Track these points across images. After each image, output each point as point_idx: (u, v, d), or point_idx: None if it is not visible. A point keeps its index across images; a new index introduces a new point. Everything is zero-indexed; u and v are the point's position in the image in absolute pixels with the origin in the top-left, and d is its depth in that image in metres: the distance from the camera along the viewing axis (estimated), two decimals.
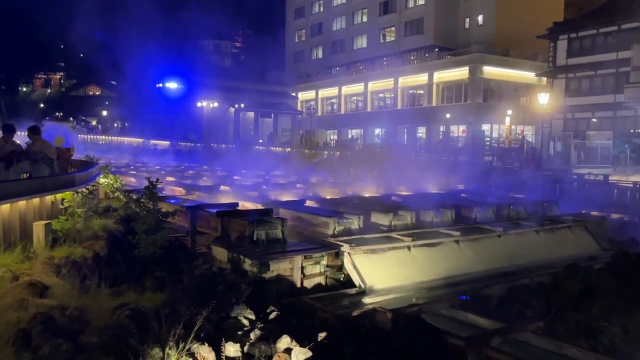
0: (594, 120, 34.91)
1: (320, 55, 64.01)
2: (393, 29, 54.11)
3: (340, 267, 7.84)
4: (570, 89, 35.57)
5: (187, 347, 4.26)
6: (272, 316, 5.61)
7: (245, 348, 4.77)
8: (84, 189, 9.26)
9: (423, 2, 50.47)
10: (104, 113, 79.21)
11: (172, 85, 52.84)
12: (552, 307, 7.13)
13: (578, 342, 5.61)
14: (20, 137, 11.41)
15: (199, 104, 41.71)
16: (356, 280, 7.59)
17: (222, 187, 13.80)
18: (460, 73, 43.10)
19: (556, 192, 17.29)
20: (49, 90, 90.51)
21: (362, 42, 57.95)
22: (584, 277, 8.02)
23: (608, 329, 5.93)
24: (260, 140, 46.42)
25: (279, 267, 7.14)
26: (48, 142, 10.64)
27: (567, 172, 22.21)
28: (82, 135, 40.85)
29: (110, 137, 46.46)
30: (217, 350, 4.50)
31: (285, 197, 12.21)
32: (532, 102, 34.51)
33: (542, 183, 18.01)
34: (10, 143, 9.64)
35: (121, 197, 11.52)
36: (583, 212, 12.94)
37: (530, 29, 37.10)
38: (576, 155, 30.16)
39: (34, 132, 10.33)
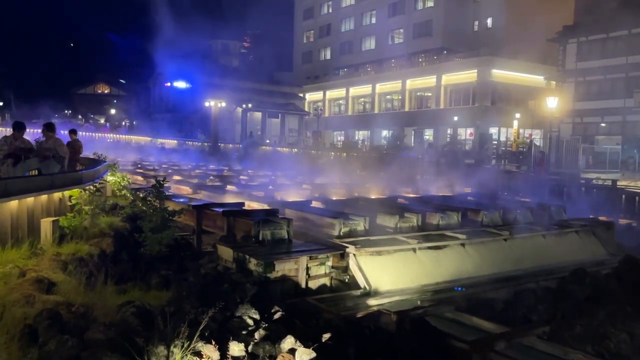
0: (603, 124, 34.70)
1: (328, 56, 64.05)
2: (402, 30, 54.06)
3: (346, 269, 7.83)
4: (579, 92, 35.36)
5: (192, 346, 4.27)
6: (276, 316, 5.61)
7: (250, 348, 4.78)
8: (91, 187, 9.33)
9: (432, 4, 50.41)
10: (113, 111, 79.72)
11: (181, 84, 53.02)
12: (558, 312, 7.08)
13: (584, 348, 5.57)
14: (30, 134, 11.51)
15: (206, 104, 41.83)
16: (361, 281, 7.58)
17: (229, 187, 13.83)
18: (469, 75, 42.96)
19: (564, 196, 17.19)
20: None
21: (370, 44, 57.95)
22: (590, 282, 7.96)
23: (614, 335, 5.88)
24: (268, 141, 46.49)
25: (284, 268, 7.14)
26: (60, 140, 10.75)
27: (575, 176, 22.07)
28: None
29: (118, 136, 46.66)
30: (222, 350, 4.51)
31: (291, 198, 12.22)
32: (541, 105, 34.32)
33: (550, 187, 17.91)
34: (19, 140, 9.73)
35: (128, 195, 11.58)
36: (591, 216, 12.85)
37: (540, 32, 36.95)
38: (584, 159, 29.99)
39: (48, 128, 10.45)
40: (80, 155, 13.63)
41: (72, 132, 13.34)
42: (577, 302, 7.31)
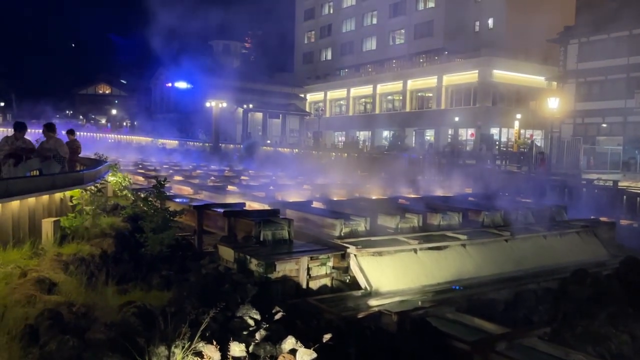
0: (604, 125, 34.66)
1: (329, 57, 64.09)
2: (403, 31, 54.10)
3: (346, 269, 7.83)
4: (580, 93, 35.34)
5: (193, 346, 4.28)
6: (277, 317, 5.61)
7: (251, 348, 4.78)
8: (92, 187, 9.33)
9: (433, 5, 50.44)
10: (114, 112, 79.87)
11: (182, 84, 53.08)
12: (559, 313, 7.07)
13: (585, 349, 5.57)
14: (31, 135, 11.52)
15: (207, 104, 41.90)
16: (362, 282, 7.57)
17: (230, 187, 13.84)
18: (470, 76, 42.95)
19: (565, 197, 17.17)
20: None
21: (371, 44, 57.99)
22: (591, 283, 7.94)
23: (615, 336, 5.87)
24: (269, 141, 46.52)
25: (285, 268, 7.14)
26: (61, 141, 10.76)
27: (576, 177, 22.04)
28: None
29: (119, 136, 46.71)
30: (223, 350, 4.51)
31: (292, 198, 12.23)
32: (542, 106, 34.31)
33: (551, 188, 17.90)
34: (21, 140, 9.74)
35: (129, 195, 11.58)
36: (592, 217, 12.84)
37: (541, 32, 36.94)
38: (585, 160, 29.96)
39: (49, 129, 10.45)
40: (80, 156, 13.63)
41: (70, 132, 13.28)
42: (578, 303, 7.30)
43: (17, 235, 7.08)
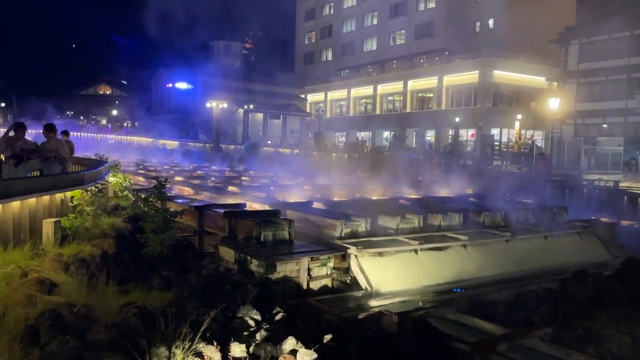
0: (605, 126, 34.64)
1: (329, 58, 64.11)
2: (403, 31, 54.12)
3: (347, 270, 7.83)
4: (581, 94, 35.31)
5: (193, 347, 4.28)
6: (277, 317, 5.61)
7: (251, 349, 4.78)
8: (93, 188, 9.33)
9: (434, 5, 50.46)
10: (114, 112, 79.88)
11: (182, 85, 53.08)
12: (559, 314, 7.07)
13: (585, 350, 5.57)
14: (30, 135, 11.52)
15: (208, 105, 41.89)
16: (362, 282, 7.57)
17: (230, 188, 13.84)
18: (470, 76, 42.93)
19: (565, 197, 17.16)
20: None
21: (371, 45, 58.01)
22: (592, 283, 7.95)
23: (616, 337, 5.87)
24: (269, 142, 46.53)
25: (286, 269, 7.14)
26: (62, 141, 10.76)
27: (577, 177, 22.04)
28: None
29: (120, 137, 46.69)
30: (223, 351, 4.51)
31: (293, 199, 12.23)
32: (542, 106, 34.30)
33: (552, 188, 17.89)
34: (22, 140, 9.74)
35: (130, 196, 11.59)
36: (592, 218, 12.83)
37: (542, 33, 36.94)
38: (586, 161, 29.93)
39: (49, 129, 10.44)
40: (81, 156, 13.63)
41: (65, 133, 13.26)
42: (579, 303, 7.29)
43: (17, 235, 7.08)
